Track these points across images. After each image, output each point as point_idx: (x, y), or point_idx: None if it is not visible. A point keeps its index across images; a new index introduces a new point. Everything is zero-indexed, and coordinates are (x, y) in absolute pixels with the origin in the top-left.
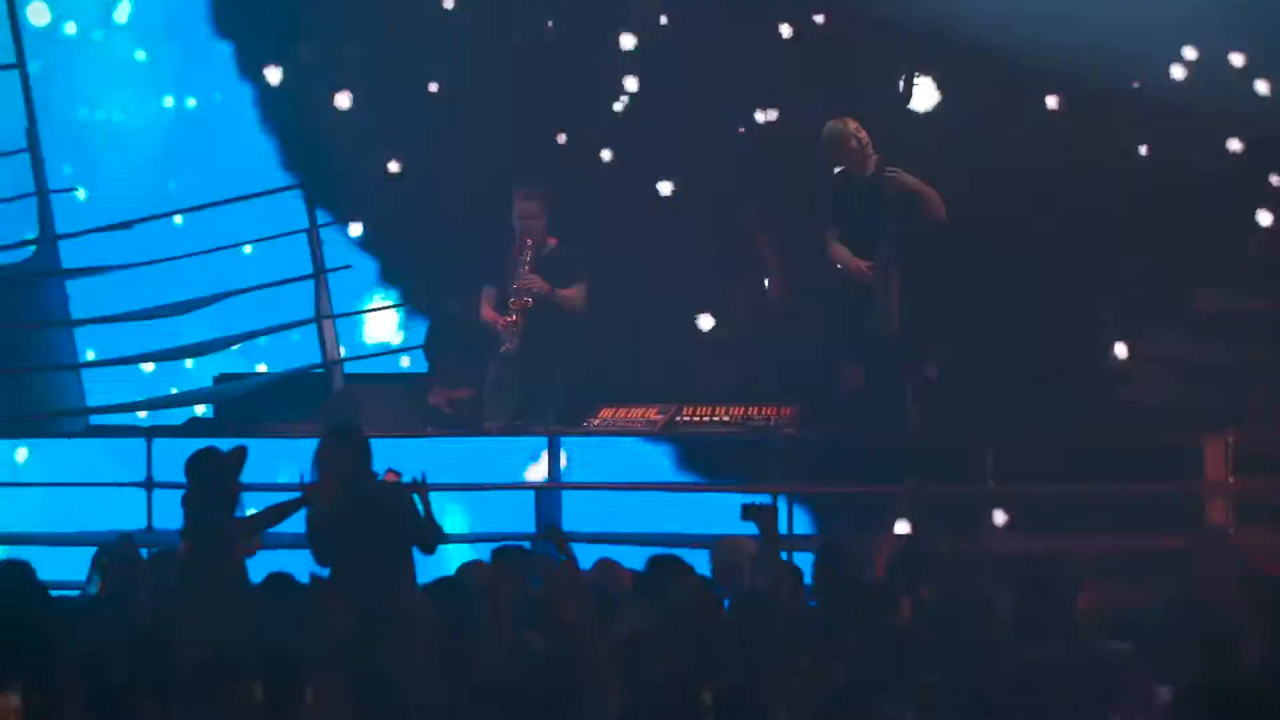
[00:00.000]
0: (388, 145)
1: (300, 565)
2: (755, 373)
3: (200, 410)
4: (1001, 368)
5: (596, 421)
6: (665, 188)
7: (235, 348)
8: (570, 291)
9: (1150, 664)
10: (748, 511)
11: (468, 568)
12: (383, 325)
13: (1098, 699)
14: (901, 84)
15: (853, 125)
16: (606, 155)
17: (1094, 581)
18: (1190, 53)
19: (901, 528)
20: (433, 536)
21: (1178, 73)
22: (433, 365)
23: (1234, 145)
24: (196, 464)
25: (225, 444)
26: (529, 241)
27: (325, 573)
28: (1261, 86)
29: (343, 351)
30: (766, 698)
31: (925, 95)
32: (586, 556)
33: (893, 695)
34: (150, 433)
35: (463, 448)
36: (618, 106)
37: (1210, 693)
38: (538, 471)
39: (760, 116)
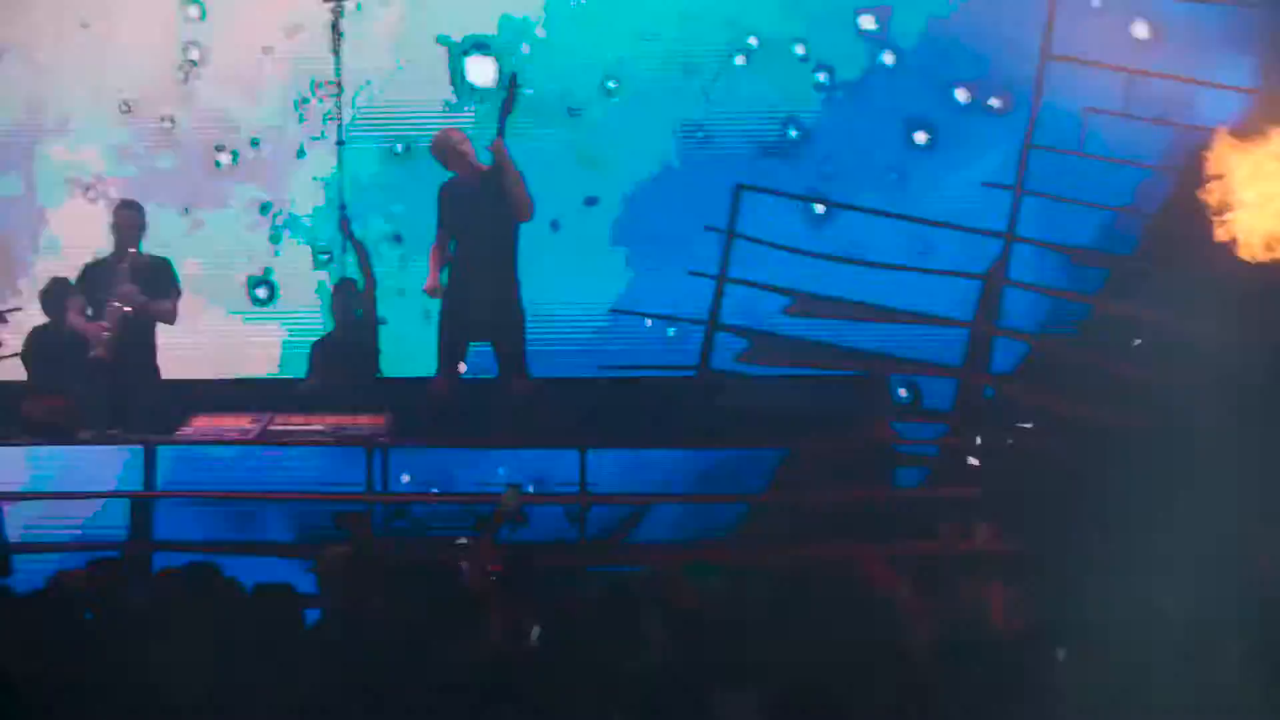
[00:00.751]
0: None
1: None
2: (353, 381)
3: None
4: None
5: (189, 430)
6: (224, 158)
7: None
8: (163, 303)
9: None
10: (341, 520)
11: (63, 577)
12: None
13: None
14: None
15: (455, 136)
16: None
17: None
18: (753, 40)
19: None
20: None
21: (740, 60)
22: (28, 373)
23: (792, 134)
24: None
25: None
26: (127, 250)
27: None
28: (821, 76)
29: None
30: (356, 707)
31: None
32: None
33: (492, 710)
34: None
35: (55, 456)
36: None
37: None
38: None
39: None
